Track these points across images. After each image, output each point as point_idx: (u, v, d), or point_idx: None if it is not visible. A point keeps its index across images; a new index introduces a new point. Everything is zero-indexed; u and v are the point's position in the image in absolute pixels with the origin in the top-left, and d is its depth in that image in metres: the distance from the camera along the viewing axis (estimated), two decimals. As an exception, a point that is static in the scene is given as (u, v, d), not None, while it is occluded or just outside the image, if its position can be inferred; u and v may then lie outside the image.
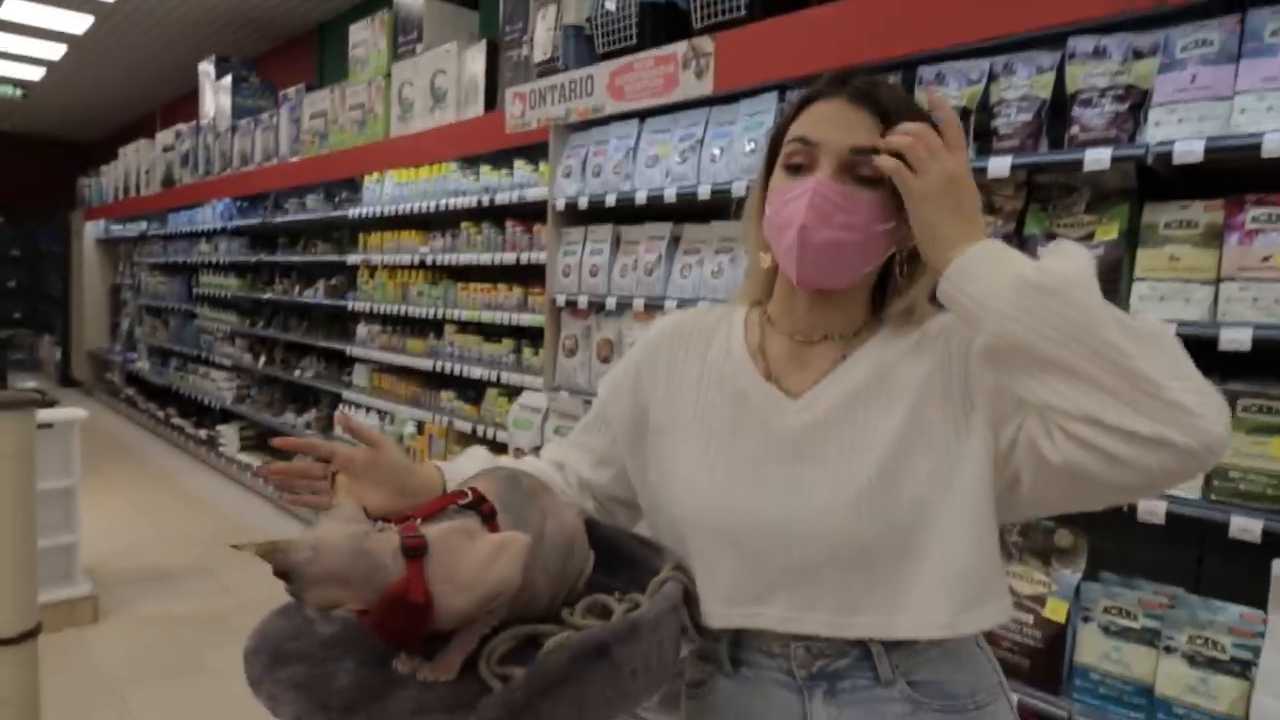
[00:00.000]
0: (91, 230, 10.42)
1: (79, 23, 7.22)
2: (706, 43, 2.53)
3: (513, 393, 3.59)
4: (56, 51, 8.16)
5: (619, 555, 1.06)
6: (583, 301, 3.05)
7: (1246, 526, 1.65)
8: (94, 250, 10.49)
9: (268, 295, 6.21)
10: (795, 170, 0.94)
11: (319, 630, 0.89)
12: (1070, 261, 0.79)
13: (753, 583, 0.93)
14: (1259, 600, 1.67)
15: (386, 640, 0.80)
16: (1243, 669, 1.62)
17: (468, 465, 1.05)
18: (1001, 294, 0.79)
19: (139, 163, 8.87)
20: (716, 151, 2.62)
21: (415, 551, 0.76)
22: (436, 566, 0.77)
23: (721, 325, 1.07)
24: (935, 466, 0.90)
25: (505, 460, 1.09)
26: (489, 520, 0.85)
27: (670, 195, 2.69)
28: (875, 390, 0.94)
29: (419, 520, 0.80)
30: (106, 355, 10.02)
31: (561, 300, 3.15)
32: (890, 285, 0.98)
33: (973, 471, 0.90)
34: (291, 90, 5.87)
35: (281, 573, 0.72)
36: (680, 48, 2.61)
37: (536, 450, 3.38)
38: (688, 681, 1.05)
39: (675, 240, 2.86)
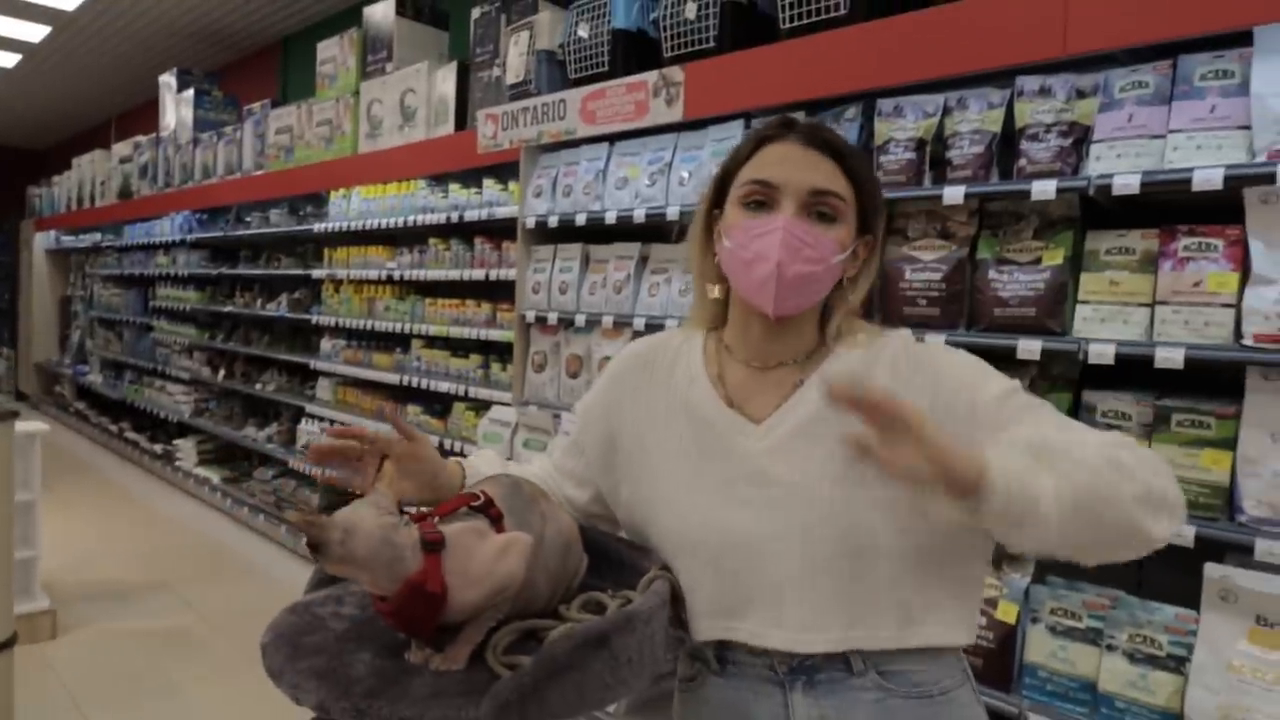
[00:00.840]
0: (42, 241, 10.20)
1: (35, 32, 7.12)
2: (677, 72, 2.63)
3: (480, 407, 3.64)
4: (9, 60, 8.02)
5: (607, 558, 1.14)
6: (552, 318, 3.12)
7: (1180, 532, 1.78)
8: (44, 261, 10.26)
9: (228, 308, 6.16)
10: (755, 207, 1.01)
11: (331, 626, 0.95)
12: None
13: (729, 598, 1.01)
14: (1194, 601, 1.79)
15: (402, 627, 0.86)
16: (1178, 665, 1.75)
17: (483, 466, 1.13)
18: (1049, 517, 0.85)
19: (94, 173, 8.72)
20: (685, 174, 2.72)
21: (434, 546, 0.83)
22: (451, 561, 0.84)
23: (683, 352, 1.13)
24: (890, 493, 0.95)
25: (512, 467, 1.17)
26: (496, 523, 0.92)
27: (639, 216, 2.78)
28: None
29: (436, 518, 0.87)
30: (55, 368, 9.79)
31: (531, 316, 3.22)
32: (828, 309, 1.07)
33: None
34: (256, 105, 5.86)
35: (313, 544, 0.80)
36: (651, 76, 2.71)
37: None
38: (680, 677, 1.12)
39: (644, 260, 2.95)
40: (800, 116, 1.07)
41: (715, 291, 1.09)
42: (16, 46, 7.58)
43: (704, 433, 1.05)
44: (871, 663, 0.99)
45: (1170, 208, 1.94)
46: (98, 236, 8.73)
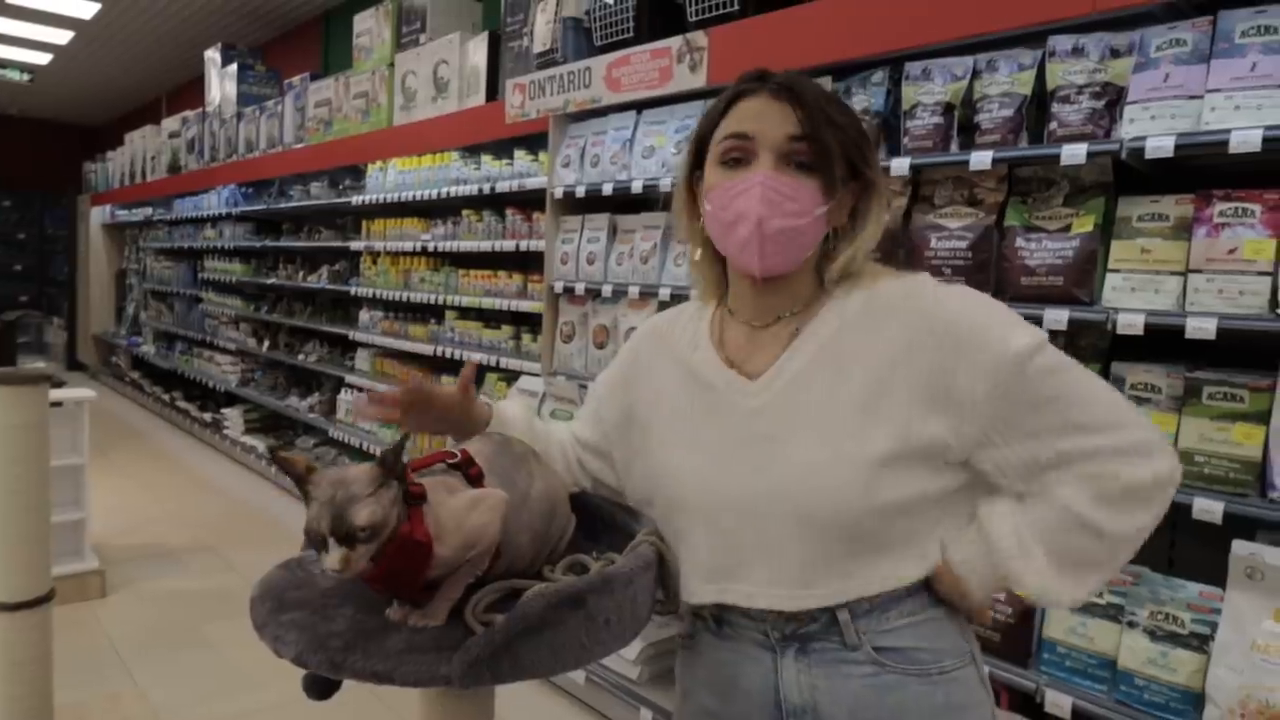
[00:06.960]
0: (98, 215, 10.49)
1: (86, 9, 7.27)
2: (700, 37, 2.59)
3: (512, 377, 3.67)
4: (63, 37, 8.21)
5: (604, 522, 1.14)
6: (580, 289, 3.13)
7: (1208, 508, 1.73)
8: (100, 234, 10.56)
9: (272, 280, 6.28)
10: (733, 164, 0.99)
11: (319, 583, 0.97)
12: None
13: (726, 558, 1.00)
14: (1224, 579, 1.73)
15: (390, 586, 0.87)
16: (1200, 643, 1.70)
17: (510, 413, 1.18)
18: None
19: (145, 148, 8.93)
20: (710, 143, 2.69)
21: (416, 499, 0.85)
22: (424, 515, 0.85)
23: (693, 322, 1.14)
24: (889, 447, 0.94)
25: (537, 423, 1.22)
26: (475, 481, 0.93)
27: (666, 185, 2.75)
28: (825, 365, 0.99)
29: (412, 473, 0.88)
30: (112, 339, 10.11)
31: (559, 287, 3.23)
32: (826, 257, 1.04)
33: (923, 452, 0.95)
34: (296, 78, 5.93)
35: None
36: (675, 42, 2.67)
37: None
38: (681, 634, 1.13)
39: (670, 230, 2.93)
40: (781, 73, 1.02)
41: (697, 255, 1.08)
42: (69, 23, 7.75)
43: (705, 395, 1.06)
44: (868, 637, 0.97)
45: (1207, 173, 1.86)
46: (149, 210, 8.95)
